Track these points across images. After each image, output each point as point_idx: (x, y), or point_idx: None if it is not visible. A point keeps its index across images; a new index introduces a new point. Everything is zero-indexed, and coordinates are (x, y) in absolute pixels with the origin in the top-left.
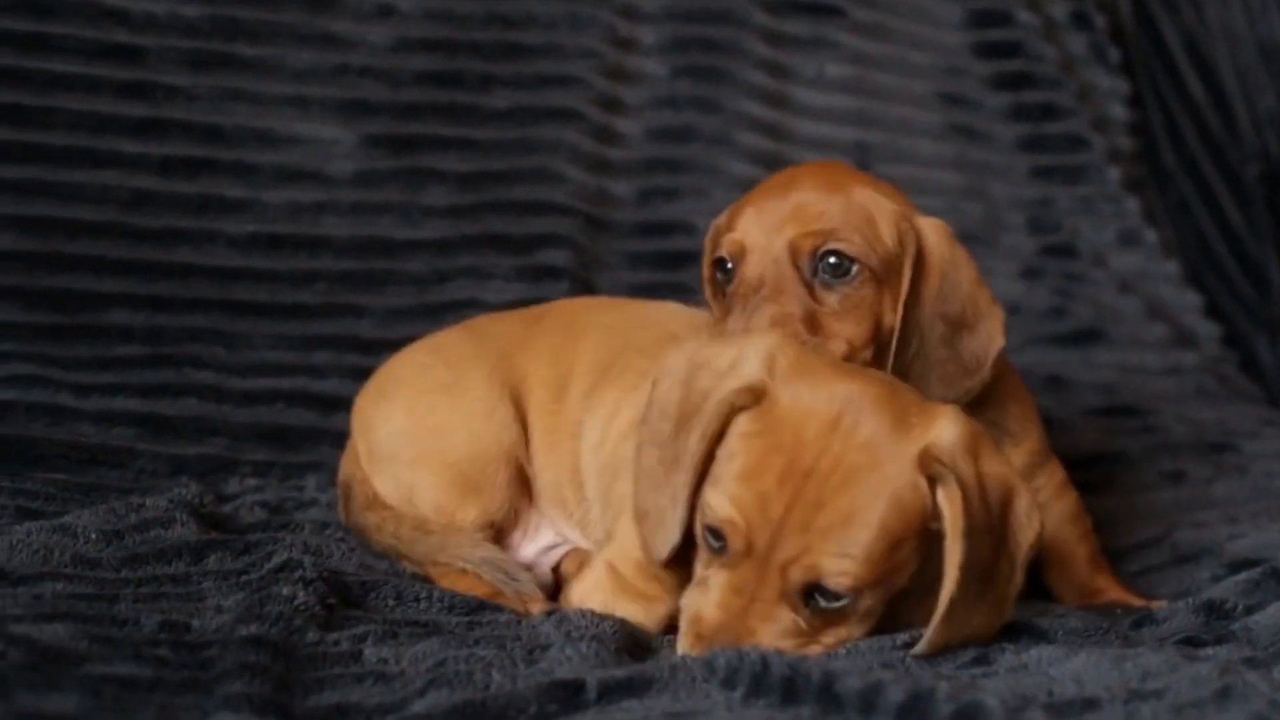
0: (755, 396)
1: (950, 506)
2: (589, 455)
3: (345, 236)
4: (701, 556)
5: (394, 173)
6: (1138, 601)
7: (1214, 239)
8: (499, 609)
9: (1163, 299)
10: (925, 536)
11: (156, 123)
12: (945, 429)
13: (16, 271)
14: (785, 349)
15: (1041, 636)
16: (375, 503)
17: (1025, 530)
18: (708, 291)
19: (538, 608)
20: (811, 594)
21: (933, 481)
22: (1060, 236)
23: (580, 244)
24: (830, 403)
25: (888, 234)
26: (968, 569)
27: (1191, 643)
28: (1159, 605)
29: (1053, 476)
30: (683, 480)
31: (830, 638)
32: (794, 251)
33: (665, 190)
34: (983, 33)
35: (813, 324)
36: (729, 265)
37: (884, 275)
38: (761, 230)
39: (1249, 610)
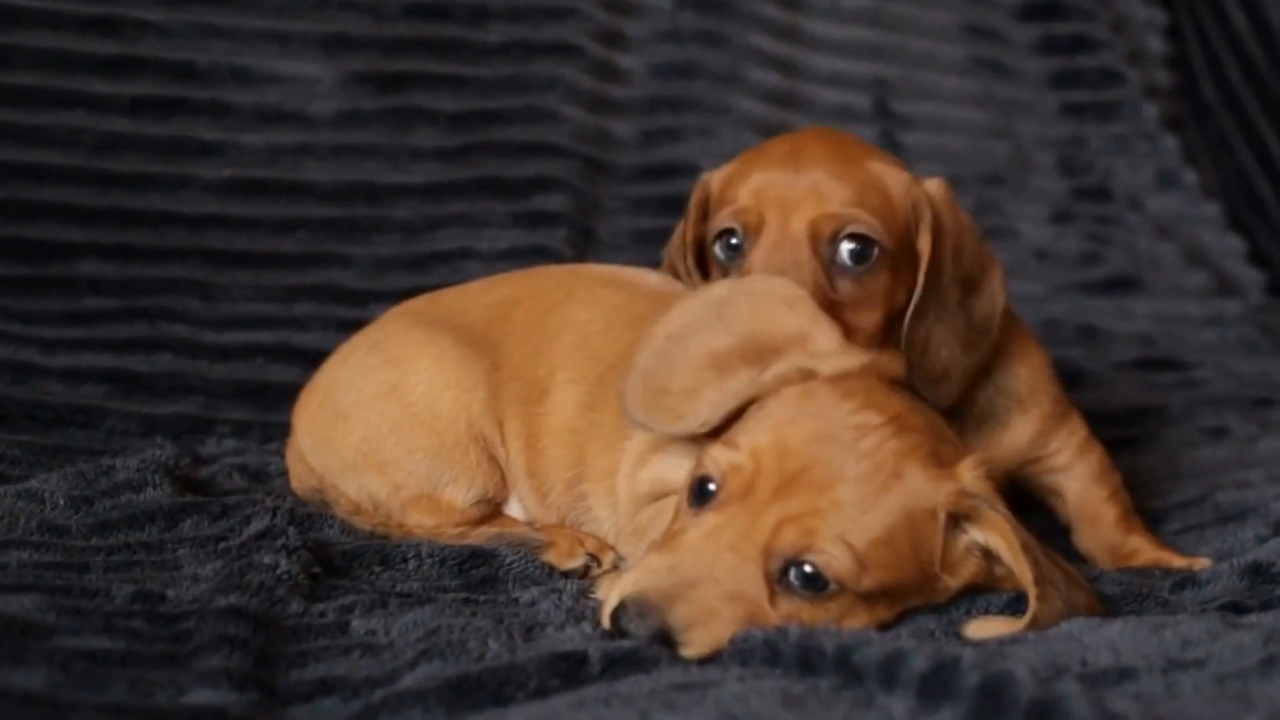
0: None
1: (998, 534)
2: (621, 481)
3: (328, 181)
4: (676, 517)
5: (380, 113)
6: (1178, 561)
7: (1258, 179)
8: (495, 578)
9: (1203, 244)
10: (915, 588)
11: (126, 60)
12: (970, 469)
13: None
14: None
15: None
16: (360, 509)
17: None
18: (688, 259)
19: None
20: (788, 570)
21: (956, 527)
22: (1093, 178)
23: (579, 188)
24: (879, 409)
25: (901, 208)
26: (1041, 572)
27: (1235, 608)
28: (1202, 564)
29: (1072, 435)
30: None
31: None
32: (814, 234)
33: (669, 130)
34: None
35: (830, 315)
36: (736, 241)
37: (898, 257)
38: (777, 206)
39: None
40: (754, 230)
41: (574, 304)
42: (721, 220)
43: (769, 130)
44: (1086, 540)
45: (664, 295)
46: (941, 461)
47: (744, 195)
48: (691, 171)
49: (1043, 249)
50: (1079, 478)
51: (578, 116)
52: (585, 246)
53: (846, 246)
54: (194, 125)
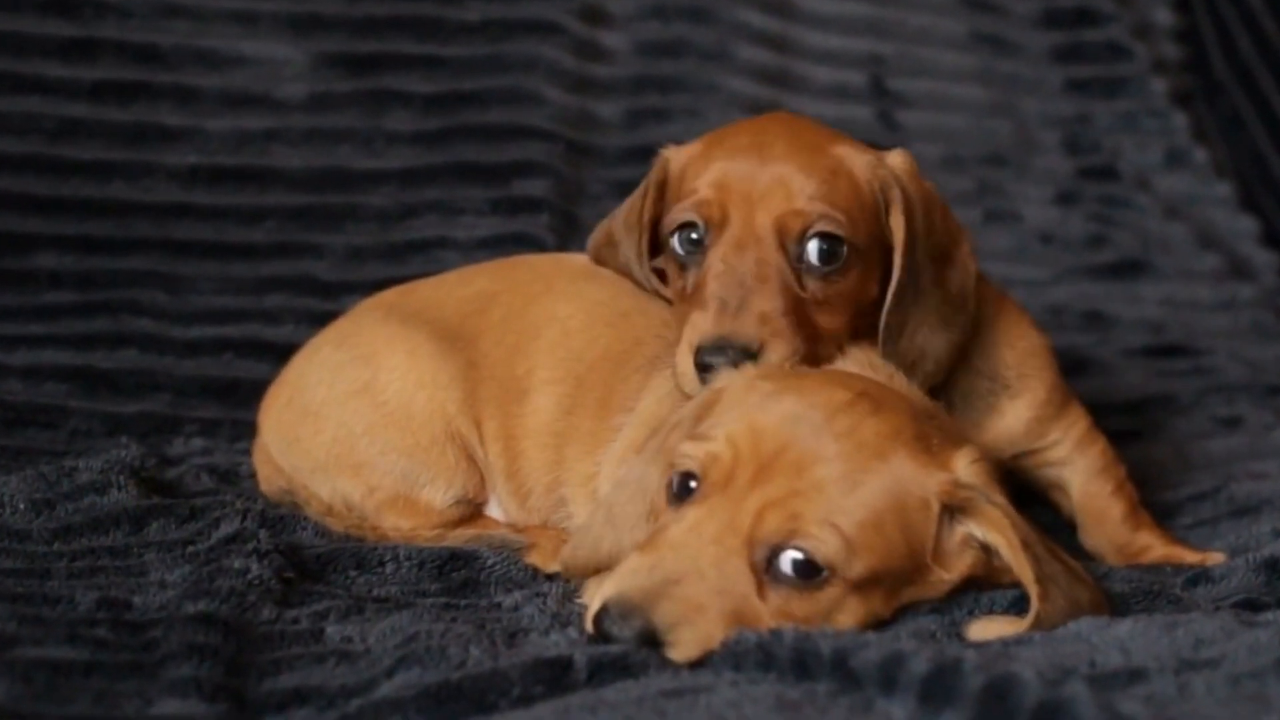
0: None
1: (996, 529)
2: (603, 486)
3: (298, 168)
4: (656, 517)
5: (352, 96)
6: (1191, 557)
7: (1271, 157)
8: (476, 581)
9: (1214, 225)
10: (907, 577)
11: (85, 43)
12: (965, 460)
13: None
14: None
15: None
16: (333, 511)
17: None
18: (641, 241)
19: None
20: (775, 559)
21: (951, 519)
22: (1099, 157)
23: (561, 172)
24: (843, 386)
25: (869, 193)
26: (1042, 568)
27: (1250, 605)
28: (1215, 559)
29: (1072, 427)
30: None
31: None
32: (780, 232)
33: (656, 111)
34: None
35: (800, 319)
36: (696, 236)
37: (867, 251)
38: (741, 200)
39: None
40: (716, 226)
41: (554, 298)
42: (681, 213)
43: (759, 110)
44: (1093, 537)
45: (647, 291)
46: (931, 448)
47: (705, 186)
48: None
49: (1047, 232)
50: (1081, 472)
51: (559, 98)
52: (568, 234)
53: (814, 246)
54: (157, 110)
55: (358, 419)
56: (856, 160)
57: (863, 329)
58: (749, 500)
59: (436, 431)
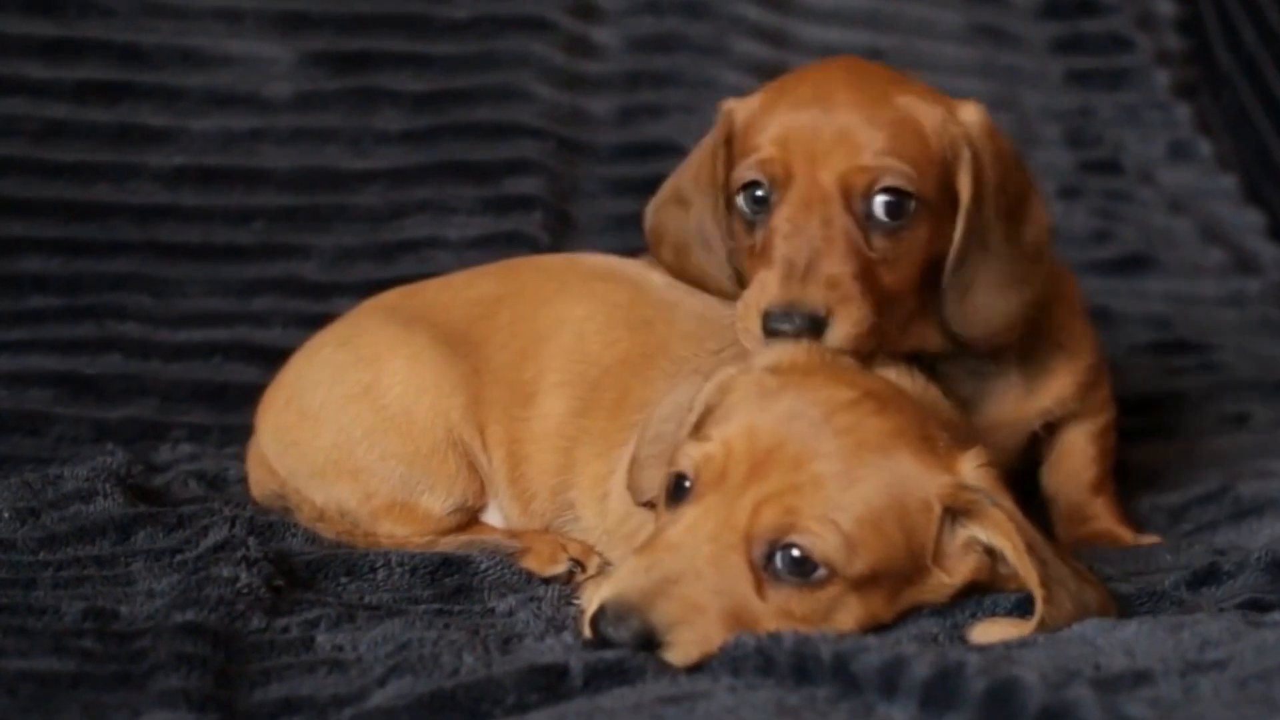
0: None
1: (1001, 532)
2: (618, 481)
3: (286, 168)
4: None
5: (340, 94)
6: (1127, 538)
7: (1276, 150)
8: (470, 587)
9: (1220, 219)
10: (907, 577)
11: (68, 43)
12: (971, 463)
13: None
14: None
15: None
16: (324, 516)
17: None
18: (714, 204)
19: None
20: (773, 556)
21: (953, 522)
22: (1102, 150)
23: (554, 170)
24: (849, 385)
25: (938, 148)
26: (1048, 571)
27: (1256, 606)
28: (1150, 540)
29: (1097, 391)
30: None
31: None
32: (845, 189)
33: (649, 107)
34: None
35: (869, 281)
36: (761, 194)
37: (937, 204)
38: (804, 157)
39: None
40: (781, 184)
41: (568, 299)
42: (746, 171)
43: None
44: (1054, 484)
45: (671, 298)
46: (937, 450)
47: (768, 143)
48: (674, 150)
49: (1049, 227)
50: (1078, 429)
51: (551, 94)
52: (562, 232)
53: (881, 200)
54: (141, 111)
55: (357, 423)
56: (924, 111)
57: (931, 289)
58: (746, 496)
59: (438, 438)
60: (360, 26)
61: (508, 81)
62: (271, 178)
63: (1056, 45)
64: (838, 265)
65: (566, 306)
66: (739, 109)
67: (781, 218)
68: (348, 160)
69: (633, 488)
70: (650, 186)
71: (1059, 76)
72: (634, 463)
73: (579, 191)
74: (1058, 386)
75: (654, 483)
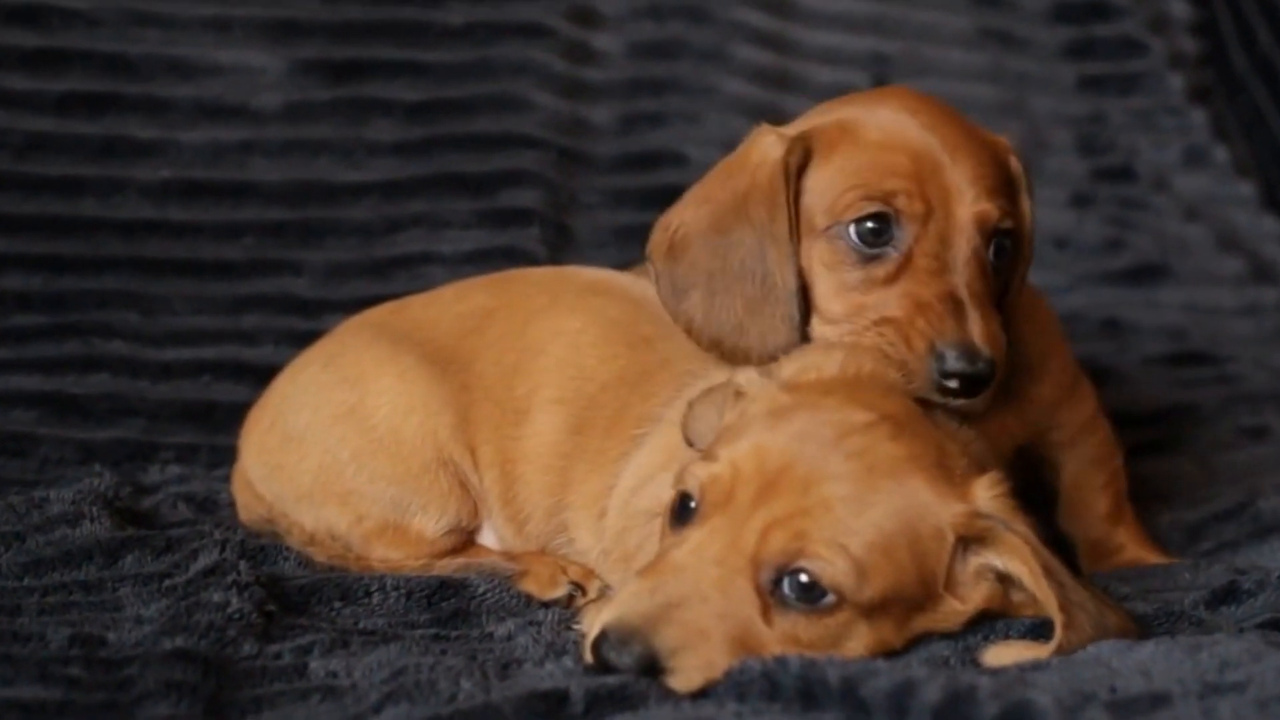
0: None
1: (1017, 558)
2: (616, 500)
3: (276, 181)
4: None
5: (332, 105)
6: (1154, 560)
7: None
8: (467, 611)
9: (1236, 226)
10: (918, 605)
11: (52, 54)
12: (986, 491)
13: None
14: None
15: None
16: (315, 539)
17: None
18: (787, 231)
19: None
20: (781, 581)
21: (965, 550)
22: (1115, 157)
23: (552, 182)
24: (866, 407)
25: (1015, 181)
26: (1067, 595)
27: (1278, 625)
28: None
29: (1078, 409)
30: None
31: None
32: (981, 227)
33: (651, 116)
34: None
35: (976, 312)
36: (888, 228)
37: (1018, 236)
38: (939, 192)
39: None
40: (917, 219)
41: (560, 313)
42: (866, 204)
43: (759, 113)
44: (1070, 524)
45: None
46: (952, 477)
47: (891, 177)
48: (675, 160)
49: (1062, 236)
50: (1077, 459)
51: (549, 103)
52: (561, 246)
53: (997, 241)
54: (128, 123)
55: (344, 444)
56: (1000, 148)
57: None
58: (753, 519)
59: (428, 458)
60: (352, 34)
61: (504, 90)
62: (261, 191)
63: (1067, 49)
64: (988, 305)
65: (559, 320)
66: (817, 136)
67: (919, 254)
68: (340, 173)
69: (687, 435)
70: (651, 198)
71: (1070, 81)
72: (690, 408)
73: (578, 203)
74: (1029, 408)
75: (710, 431)
